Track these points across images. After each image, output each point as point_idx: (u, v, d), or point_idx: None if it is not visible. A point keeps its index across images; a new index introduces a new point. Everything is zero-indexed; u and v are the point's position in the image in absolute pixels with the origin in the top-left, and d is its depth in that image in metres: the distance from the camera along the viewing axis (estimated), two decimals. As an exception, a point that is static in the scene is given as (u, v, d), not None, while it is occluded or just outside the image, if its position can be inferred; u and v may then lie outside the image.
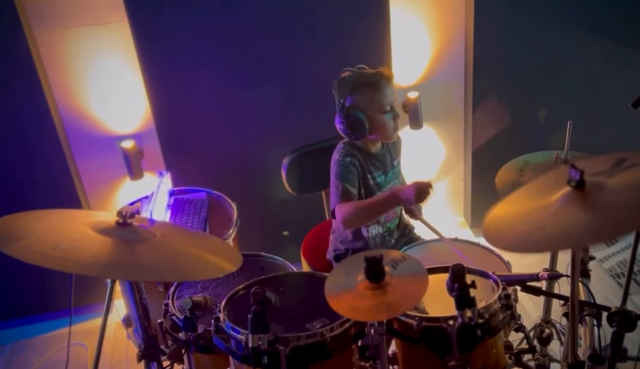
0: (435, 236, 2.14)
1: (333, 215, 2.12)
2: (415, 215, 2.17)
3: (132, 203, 2.59)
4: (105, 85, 2.85)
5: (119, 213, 1.54)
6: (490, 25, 2.93)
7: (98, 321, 1.74)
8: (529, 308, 2.76)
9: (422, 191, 1.95)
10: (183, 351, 1.81)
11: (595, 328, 1.84)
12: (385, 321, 1.45)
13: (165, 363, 1.85)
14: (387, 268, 1.41)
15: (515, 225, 1.37)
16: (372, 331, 1.46)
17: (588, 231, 1.25)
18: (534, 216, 1.36)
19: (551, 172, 1.57)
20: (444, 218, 3.43)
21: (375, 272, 1.39)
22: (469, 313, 1.46)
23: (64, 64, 2.79)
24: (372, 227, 2.27)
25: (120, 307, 2.98)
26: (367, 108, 2.10)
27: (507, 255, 1.86)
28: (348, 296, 1.41)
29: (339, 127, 2.14)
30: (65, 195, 2.88)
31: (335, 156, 2.17)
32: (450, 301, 1.47)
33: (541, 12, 2.91)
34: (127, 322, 2.54)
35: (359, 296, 1.39)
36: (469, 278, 1.47)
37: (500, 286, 1.62)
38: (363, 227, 2.25)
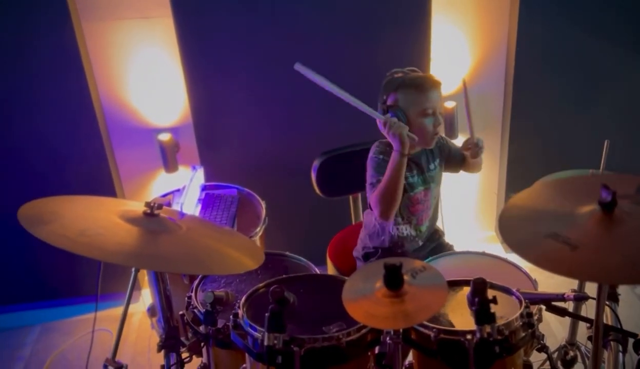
0: (465, 249, 2.12)
1: (370, 207, 2.15)
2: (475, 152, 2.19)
3: (164, 195, 2.64)
4: (147, 78, 2.90)
5: (147, 204, 1.57)
6: (533, 39, 2.88)
7: (123, 309, 1.77)
8: (556, 328, 2.70)
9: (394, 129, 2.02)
10: (202, 344, 1.84)
11: (620, 354, 1.79)
12: (401, 330, 1.44)
13: (185, 355, 1.88)
14: (406, 277, 1.40)
15: (540, 236, 1.35)
16: (388, 339, 1.45)
17: (623, 270, 1.23)
18: (559, 226, 1.34)
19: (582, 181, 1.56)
20: (473, 232, 3.39)
21: (393, 280, 1.38)
22: (488, 329, 1.44)
23: (108, 55, 2.85)
24: (402, 227, 2.26)
25: (146, 297, 3.04)
26: (408, 109, 2.09)
27: (535, 273, 1.83)
28: (365, 302, 1.41)
29: (378, 124, 2.13)
30: (101, 183, 2.94)
31: (370, 154, 2.19)
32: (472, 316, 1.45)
33: (585, 28, 2.85)
34: (151, 312, 2.59)
35: (376, 303, 1.38)
36: (490, 293, 1.45)
37: (523, 304, 1.59)
38: (393, 226, 2.24)
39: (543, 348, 1.72)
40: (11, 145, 2.84)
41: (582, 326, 2.08)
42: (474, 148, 2.18)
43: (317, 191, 2.56)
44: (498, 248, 3.29)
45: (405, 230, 2.27)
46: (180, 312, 1.88)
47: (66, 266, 3.01)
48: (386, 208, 2.11)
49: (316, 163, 2.52)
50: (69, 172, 2.91)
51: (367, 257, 2.33)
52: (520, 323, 1.54)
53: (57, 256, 2.66)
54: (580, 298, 1.72)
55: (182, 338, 1.90)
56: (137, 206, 1.64)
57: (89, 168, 2.92)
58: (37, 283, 3.12)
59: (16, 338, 2.98)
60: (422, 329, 1.54)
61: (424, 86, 2.10)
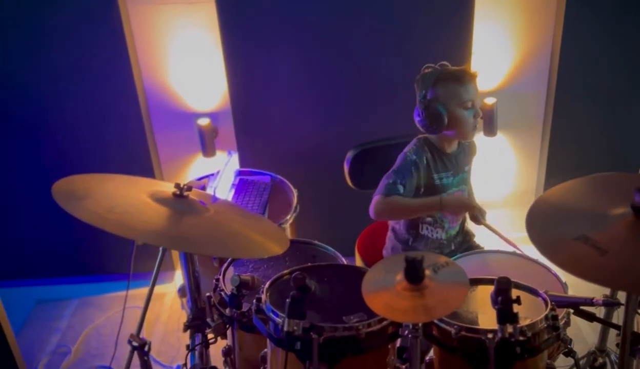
0: (495, 247, 2.10)
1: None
2: (479, 220, 2.14)
3: (200, 179, 2.68)
4: (188, 63, 2.94)
5: (177, 185, 1.60)
6: (579, 37, 2.80)
7: (157, 288, 1.82)
8: (587, 333, 2.64)
9: (464, 210, 2.10)
10: (227, 326, 1.87)
11: (650, 364, 1.74)
12: (420, 324, 1.43)
13: (210, 336, 1.91)
14: (427, 271, 1.39)
15: (568, 238, 1.32)
16: (407, 332, 1.44)
17: None
18: (589, 227, 1.31)
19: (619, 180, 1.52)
20: (507, 233, 3.32)
21: (414, 273, 1.37)
22: (509, 329, 1.42)
23: (152, 39, 2.90)
24: (433, 230, 2.24)
25: (179, 278, 3.10)
26: (448, 102, 2.07)
27: (567, 276, 1.79)
28: (385, 294, 1.40)
29: (417, 119, 2.12)
30: (140, 164, 3.00)
31: (405, 150, 2.17)
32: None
33: (632, 27, 2.76)
34: (182, 292, 2.63)
35: (396, 295, 1.38)
36: (515, 294, 1.43)
37: (549, 306, 1.56)
38: (425, 229, 2.23)
39: (570, 353, 1.68)
40: (54, 123, 2.93)
41: (613, 333, 2.03)
42: (475, 217, 2.16)
43: (349, 183, 2.56)
44: (531, 249, 3.22)
45: (437, 233, 2.24)
46: (208, 294, 1.91)
47: (103, 243, 3.09)
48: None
49: (349, 155, 2.51)
50: (109, 151, 2.98)
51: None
52: (545, 325, 1.51)
53: (94, 233, 2.73)
54: (609, 304, 1.68)
55: (208, 320, 1.93)
56: (167, 187, 1.67)
57: (128, 148, 2.98)
58: (76, 259, 3.22)
59: (55, 310, 3.08)
60: (443, 325, 1.53)
61: (462, 78, 2.08)
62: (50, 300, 3.16)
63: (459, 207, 2.10)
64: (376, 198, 2.09)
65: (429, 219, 2.21)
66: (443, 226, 2.24)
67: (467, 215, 2.27)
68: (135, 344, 1.57)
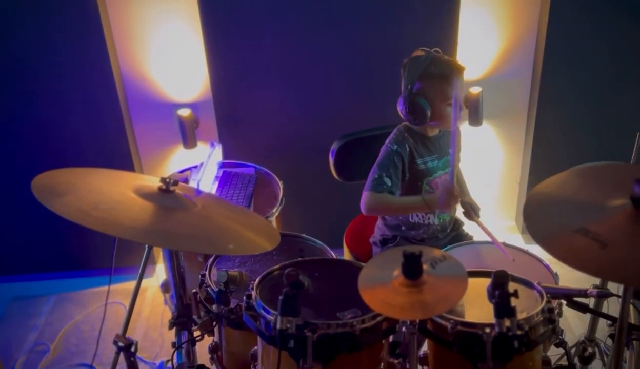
0: (485, 238, 2.08)
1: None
2: (471, 216, 2.12)
3: (182, 171, 2.62)
4: (168, 53, 2.87)
5: (162, 180, 1.54)
6: (564, 26, 2.79)
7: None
8: (574, 323, 2.65)
9: (451, 200, 2.04)
10: (214, 323, 1.82)
11: (643, 354, 1.74)
12: (418, 320, 1.40)
13: (196, 333, 1.86)
14: (425, 266, 1.36)
15: (568, 231, 1.29)
16: (404, 329, 1.41)
17: None
18: (587, 219, 1.29)
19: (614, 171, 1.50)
20: (493, 221, 3.33)
21: (412, 269, 1.34)
22: (507, 323, 1.39)
23: (130, 29, 2.82)
24: (424, 216, 2.22)
25: (161, 272, 3.04)
26: (433, 98, 2.07)
27: (556, 266, 1.78)
28: (382, 290, 1.37)
29: (400, 108, 2.10)
30: (119, 156, 2.93)
31: (387, 141, 2.16)
32: (490, 308, 1.40)
33: (618, 18, 2.76)
34: (165, 287, 2.56)
35: (393, 291, 1.34)
36: (512, 287, 1.40)
37: (545, 299, 1.54)
38: (416, 215, 2.22)
39: (561, 344, 1.68)
40: (30, 116, 2.84)
41: (602, 323, 2.03)
42: (468, 213, 2.16)
43: (335, 174, 2.52)
44: (518, 238, 3.23)
45: (428, 219, 2.22)
46: (194, 290, 1.86)
47: (82, 238, 3.02)
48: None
49: (334, 146, 2.47)
50: (87, 144, 2.90)
51: (384, 243, 2.30)
52: (541, 318, 1.49)
53: (74, 228, 2.66)
54: (603, 295, 1.67)
55: (194, 316, 1.88)
56: (152, 182, 1.61)
57: (107, 141, 2.91)
58: (54, 254, 3.14)
59: (32, 307, 3.00)
60: (439, 320, 1.50)
61: (450, 76, 2.06)
62: (27, 297, 3.07)
63: (446, 200, 2.03)
64: (365, 195, 2.09)
65: None
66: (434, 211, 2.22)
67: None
68: (121, 344, 1.52)
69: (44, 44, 2.70)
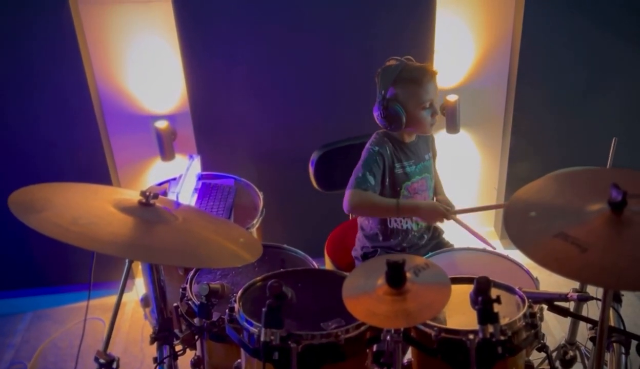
0: (464, 245, 2.10)
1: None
2: (448, 216, 2.15)
3: (160, 184, 2.60)
4: (144, 64, 2.84)
5: (142, 193, 1.53)
6: (539, 33, 2.84)
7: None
8: (554, 327, 2.67)
9: (438, 218, 2.13)
10: (196, 337, 1.80)
11: (623, 356, 1.76)
12: (402, 328, 1.40)
13: (178, 347, 1.84)
14: (408, 274, 1.36)
15: (548, 236, 1.31)
16: (388, 337, 1.41)
17: (634, 276, 1.19)
18: (566, 224, 1.31)
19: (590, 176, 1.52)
20: (472, 227, 3.34)
21: (396, 277, 1.34)
22: (490, 329, 1.40)
23: (106, 40, 2.79)
24: (404, 222, 2.23)
25: (140, 286, 3.00)
26: (407, 103, 2.09)
27: (536, 271, 1.80)
28: (366, 299, 1.37)
29: (376, 114, 2.12)
30: (96, 170, 2.89)
31: (367, 144, 2.19)
32: (472, 314, 1.41)
33: (591, 24, 2.81)
34: (145, 302, 2.55)
35: (377, 300, 1.34)
36: (494, 293, 1.41)
37: (527, 304, 1.56)
38: (394, 221, 2.22)
39: (543, 348, 1.69)
40: (4, 130, 2.78)
41: (583, 326, 2.05)
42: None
43: (315, 184, 2.52)
44: (497, 244, 3.26)
45: (406, 224, 2.24)
46: (175, 304, 1.84)
47: (59, 253, 2.96)
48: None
49: (314, 156, 2.48)
50: (63, 158, 2.86)
51: (365, 257, 2.30)
52: (524, 324, 1.51)
53: (50, 243, 2.61)
54: (584, 298, 1.68)
55: (176, 330, 1.86)
56: (132, 195, 1.59)
57: (83, 154, 2.87)
58: (29, 270, 3.08)
59: (7, 325, 2.93)
60: (423, 327, 1.50)
61: (422, 79, 2.09)
62: (1, 314, 3.01)
63: (433, 216, 2.14)
64: (349, 192, 2.10)
65: None
66: (412, 217, 2.23)
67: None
68: (102, 361, 1.49)
69: (17, 56, 2.65)
